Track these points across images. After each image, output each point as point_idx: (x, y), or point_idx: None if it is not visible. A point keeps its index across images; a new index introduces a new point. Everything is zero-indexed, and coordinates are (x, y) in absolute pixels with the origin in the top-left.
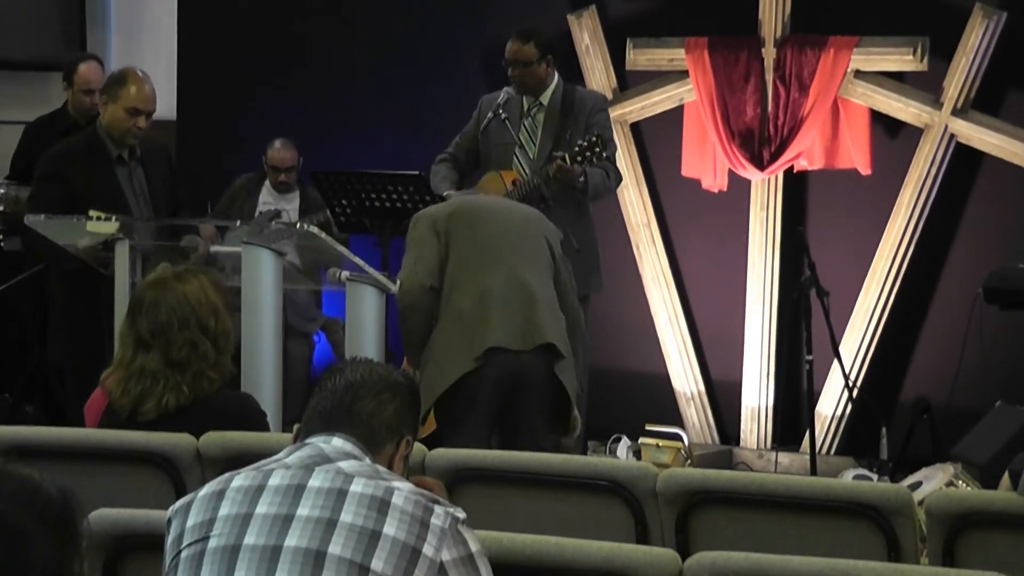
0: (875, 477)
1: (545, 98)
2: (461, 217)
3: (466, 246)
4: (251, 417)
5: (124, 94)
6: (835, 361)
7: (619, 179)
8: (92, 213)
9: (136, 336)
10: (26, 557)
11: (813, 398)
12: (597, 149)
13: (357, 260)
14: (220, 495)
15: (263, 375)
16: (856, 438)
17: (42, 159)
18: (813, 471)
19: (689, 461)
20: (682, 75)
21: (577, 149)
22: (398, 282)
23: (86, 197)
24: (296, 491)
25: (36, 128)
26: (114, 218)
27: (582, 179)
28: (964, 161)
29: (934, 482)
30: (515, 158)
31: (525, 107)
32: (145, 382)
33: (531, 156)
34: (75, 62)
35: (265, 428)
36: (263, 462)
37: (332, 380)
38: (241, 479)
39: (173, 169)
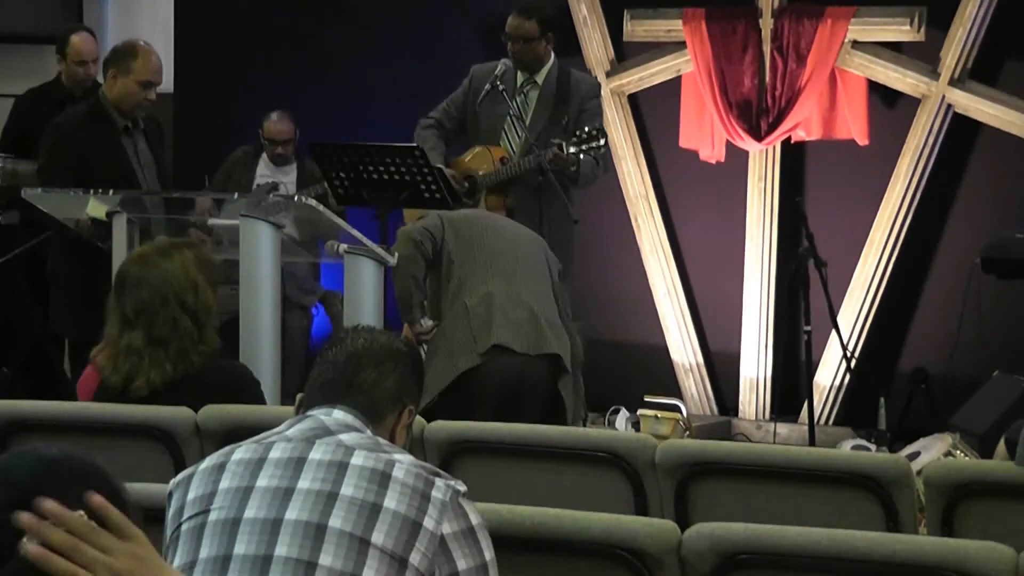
0: (873, 447)
1: (540, 76)
2: (472, 223)
3: (476, 249)
4: (244, 386)
5: (136, 67)
6: (833, 332)
7: (606, 169)
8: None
9: (121, 314)
10: None
11: (811, 369)
12: (598, 143)
13: (355, 232)
14: (221, 468)
15: (261, 347)
16: (854, 408)
17: (49, 129)
18: (812, 442)
19: (688, 432)
20: (679, 46)
21: (576, 139)
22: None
23: (95, 167)
24: (297, 464)
25: (28, 100)
26: (112, 192)
27: (574, 168)
28: (961, 131)
29: (932, 452)
30: (504, 132)
31: (518, 83)
32: (132, 359)
33: (519, 134)
34: (67, 34)
35: (260, 397)
36: (264, 435)
37: (333, 350)
38: (242, 452)
39: (162, 140)
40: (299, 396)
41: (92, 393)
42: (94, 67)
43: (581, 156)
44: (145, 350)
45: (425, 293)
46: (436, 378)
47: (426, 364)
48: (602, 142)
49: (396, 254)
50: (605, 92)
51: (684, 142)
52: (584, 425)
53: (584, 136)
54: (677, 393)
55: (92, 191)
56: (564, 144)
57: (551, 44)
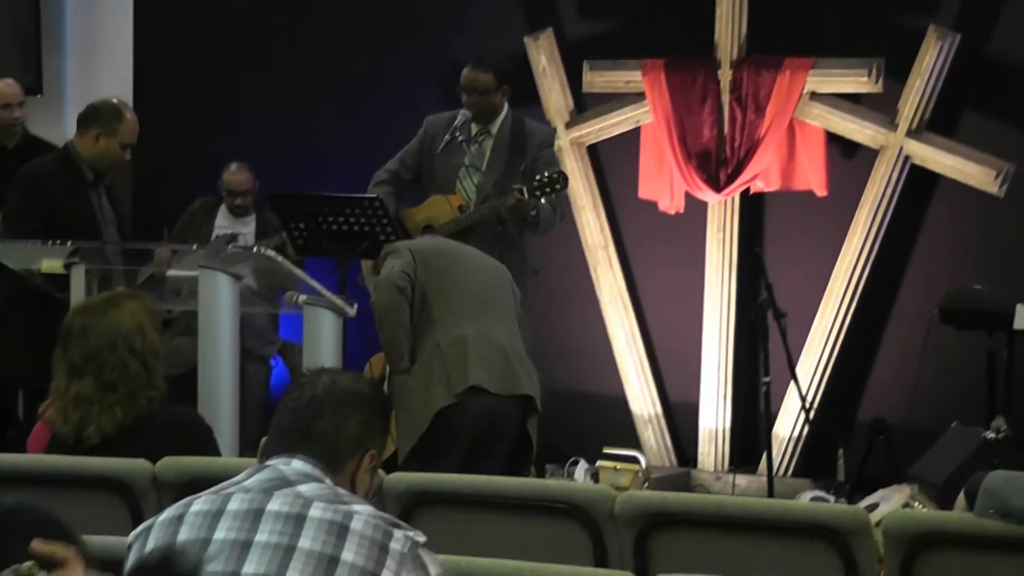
0: (832, 498)
1: (494, 127)
2: (444, 257)
3: (449, 288)
4: (197, 432)
5: (122, 129)
6: (792, 382)
7: (563, 216)
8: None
9: (68, 364)
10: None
11: (770, 419)
12: (558, 186)
13: (314, 283)
14: (179, 520)
15: (220, 398)
16: (813, 459)
17: (22, 176)
18: (771, 493)
19: (647, 483)
20: (639, 97)
21: (536, 184)
22: (373, 287)
23: (64, 216)
24: (255, 516)
25: None
26: (69, 243)
27: (534, 213)
28: (919, 182)
29: (891, 503)
30: (459, 182)
31: (473, 132)
32: (83, 408)
33: (475, 182)
34: None
35: (213, 444)
36: (223, 485)
37: (294, 396)
38: (200, 503)
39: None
40: (263, 441)
41: (43, 449)
42: (19, 111)
43: (542, 201)
44: (96, 396)
45: (411, 337)
46: (415, 421)
47: (399, 404)
48: (558, 187)
49: (380, 303)
50: (564, 142)
51: (643, 193)
52: (544, 475)
53: (544, 180)
54: (636, 444)
55: (50, 242)
56: (525, 190)
57: (506, 96)
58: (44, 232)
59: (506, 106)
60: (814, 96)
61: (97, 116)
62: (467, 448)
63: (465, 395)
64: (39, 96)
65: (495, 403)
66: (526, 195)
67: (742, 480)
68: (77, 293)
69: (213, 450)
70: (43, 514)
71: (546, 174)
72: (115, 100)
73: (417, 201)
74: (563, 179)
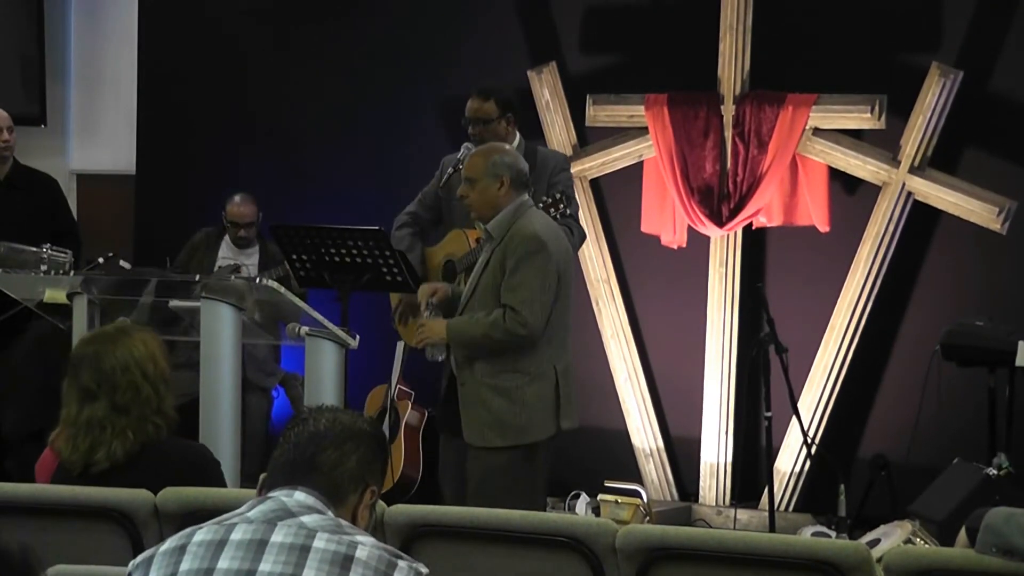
0: (834, 534)
1: None
2: (566, 272)
3: (566, 304)
4: (204, 465)
5: None
6: (794, 417)
7: (583, 237)
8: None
9: (80, 389)
10: None
11: (772, 454)
12: (561, 206)
13: (316, 315)
14: (182, 550)
15: (222, 429)
16: (815, 495)
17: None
18: (772, 528)
19: (648, 518)
20: (642, 131)
21: (541, 206)
22: (514, 311)
23: None
24: (259, 546)
25: None
26: (72, 273)
27: None
28: (921, 218)
29: (892, 539)
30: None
31: None
32: (93, 432)
33: None
34: None
35: (220, 477)
36: (225, 516)
37: (295, 431)
38: (203, 533)
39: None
40: (262, 476)
41: (49, 477)
42: (8, 135)
43: None
44: (107, 419)
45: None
46: (541, 426)
47: (519, 401)
48: (563, 207)
49: (527, 339)
50: None
51: (646, 227)
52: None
53: (549, 202)
54: (638, 478)
55: (53, 272)
56: None
57: (513, 125)
58: None
59: (517, 136)
60: (817, 132)
61: None
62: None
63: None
64: (43, 126)
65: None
66: None
67: (743, 515)
68: (80, 323)
69: (219, 483)
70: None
71: (547, 197)
72: None
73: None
74: (565, 198)
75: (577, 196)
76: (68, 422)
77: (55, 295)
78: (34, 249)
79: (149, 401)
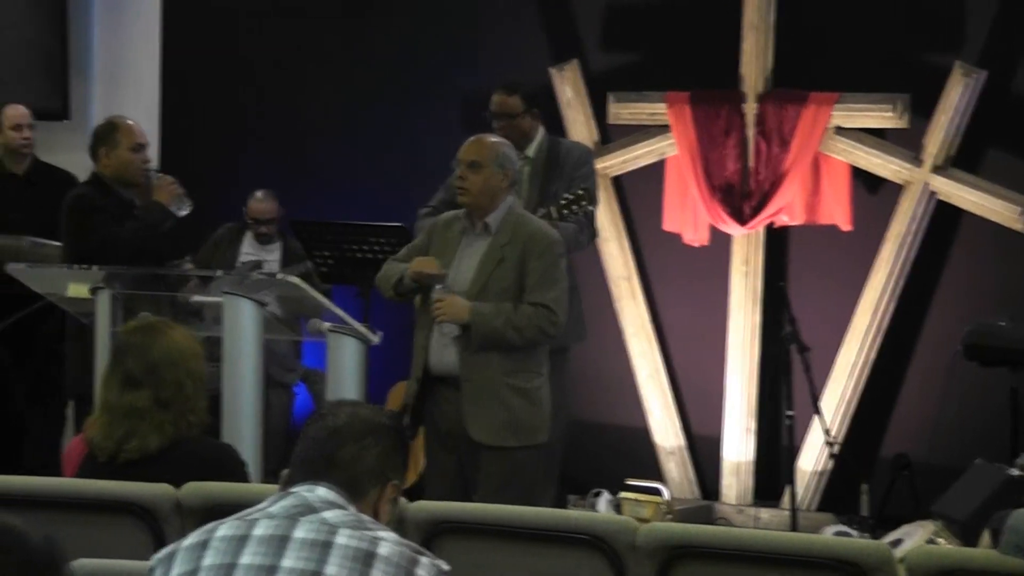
0: (855, 533)
1: (531, 151)
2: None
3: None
4: (232, 467)
5: (121, 136)
6: (815, 416)
7: (593, 236)
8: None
9: (124, 376)
10: None
11: (794, 453)
12: (583, 203)
13: (338, 311)
14: (204, 545)
15: (243, 425)
16: (836, 494)
17: (74, 200)
18: (794, 527)
19: (669, 516)
20: (663, 129)
21: (563, 203)
22: (550, 310)
23: None
24: (280, 542)
25: None
26: (95, 268)
27: None
28: (944, 218)
29: (914, 539)
30: None
31: None
32: (131, 421)
33: None
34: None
35: (245, 479)
36: (247, 511)
37: (315, 426)
38: (225, 529)
39: None
40: (283, 472)
41: (76, 464)
42: (29, 131)
43: (565, 220)
44: (149, 410)
45: None
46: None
47: (536, 402)
48: (584, 203)
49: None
50: None
51: (668, 225)
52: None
53: (569, 199)
54: (659, 476)
55: (76, 267)
56: (552, 210)
57: (537, 119)
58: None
59: (541, 130)
60: (839, 131)
61: (95, 139)
62: None
63: None
64: (65, 121)
65: None
66: (554, 216)
67: (765, 513)
68: (103, 318)
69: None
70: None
71: (570, 194)
72: (108, 117)
73: None
74: (587, 196)
75: (599, 194)
76: (106, 408)
77: (78, 289)
78: (56, 244)
79: (189, 399)
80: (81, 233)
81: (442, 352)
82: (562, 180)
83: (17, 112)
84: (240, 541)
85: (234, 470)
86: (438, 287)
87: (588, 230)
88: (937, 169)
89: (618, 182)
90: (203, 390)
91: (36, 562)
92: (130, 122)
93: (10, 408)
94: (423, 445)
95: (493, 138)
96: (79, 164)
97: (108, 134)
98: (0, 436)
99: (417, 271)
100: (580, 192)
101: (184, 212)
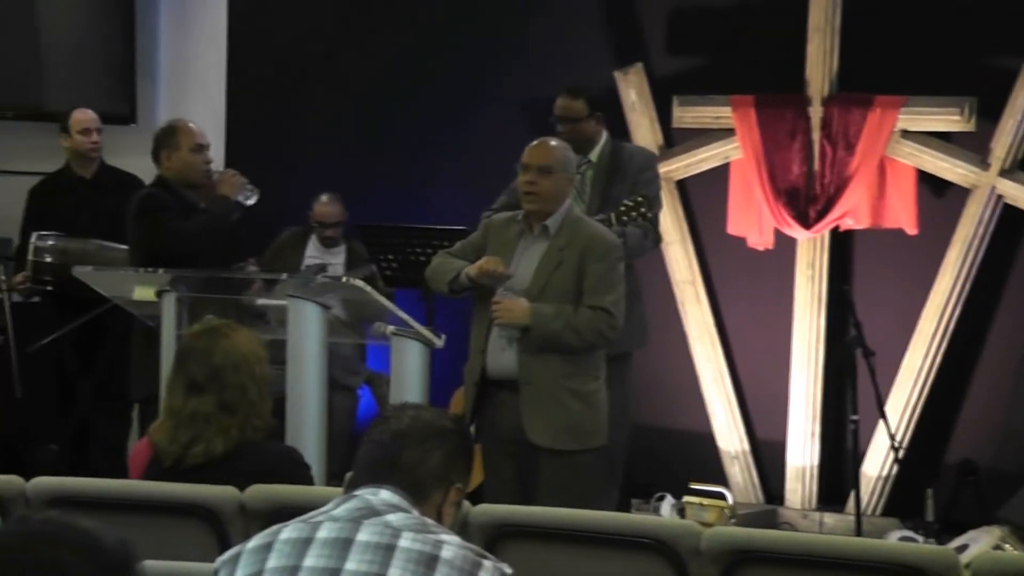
0: (921, 539)
1: (594, 155)
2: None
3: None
4: (296, 470)
5: (181, 138)
6: (880, 421)
7: (657, 241)
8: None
9: (188, 381)
10: None
11: (858, 458)
12: (643, 210)
13: (402, 314)
14: (268, 547)
15: (307, 428)
16: (902, 499)
17: (141, 199)
18: (858, 532)
19: (733, 520)
20: (728, 132)
21: (623, 209)
22: (610, 314)
23: None
24: (344, 545)
25: (42, 187)
26: (162, 271)
27: (621, 239)
28: (1011, 221)
29: (980, 544)
30: None
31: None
32: (196, 426)
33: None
34: (68, 111)
35: (309, 482)
36: (311, 514)
37: (379, 429)
38: (289, 531)
39: None
40: (348, 475)
41: (142, 468)
42: (97, 136)
43: (627, 227)
44: (214, 416)
45: None
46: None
47: (595, 406)
48: (644, 210)
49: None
50: None
51: (732, 229)
52: (629, 510)
53: (630, 205)
54: (723, 480)
55: (142, 270)
56: (611, 216)
57: (600, 123)
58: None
59: (604, 134)
60: (905, 134)
61: (155, 143)
62: None
63: None
64: (132, 125)
65: None
66: (613, 222)
67: (829, 518)
68: (168, 321)
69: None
70: (97, 543)
71: (629, 200)
72: (167, 121)
73: None
74: (647, 203)
75: (663, 197)
76: (171, 413)
77: (144, 292)
78: (123, 247)
79: (253, 403)
80: (150, 231)
81: (500, 355)
82: (624, 185)
83: (85, 116)
84: (304, 544)
85: (298, 474)
86: (500, 289)
87: (652, 235)
88: (1004, 172)
89: (682, 186)
90: (267, 393)
91: (111, 564)
92: (190, 124)
93: (77, 410)
94: (480, 450)
95: (558, 142)
96: (145, 168)
97: (168, 137)
98: (67, 438)
99: (485, 271)
100: (639, 199)
101: (252, 201)
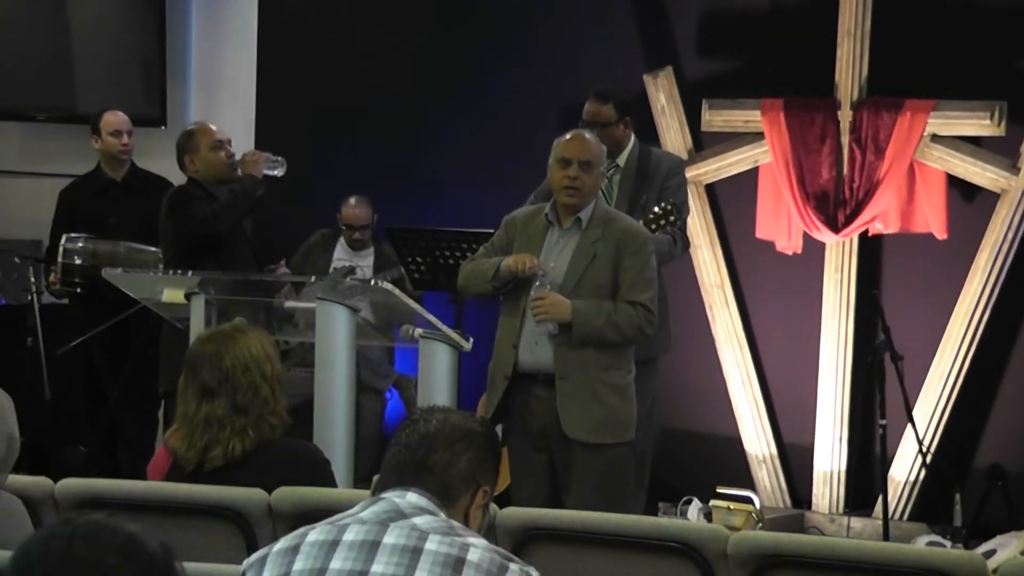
0: (948, 543)
1: (622, 160)
2: None
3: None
4: (316, 466)
5: (199, 139)
6: (908, 426)
7: (686, 246)
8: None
9: (200, 386)
10: None
11: (886, 463)
12: (672, 217)
13: (430, 317)
14: (295, 550)
15: (335, 431)
16: (929, 504)
17: (175, 195)
18: (886, 536)
19: (760, 524)
20: (757, 136)
21: (652, 217)
22: (648, 310)
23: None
24: (371, 547)
25: (73, 189)
26: (191, 273)
27: None
28: None
29: (1009, 549)
30: None
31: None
32: (212, 431)
33: None
34: (100, 112)
35: (330, 477)
36: (338, 516)
37: (406, 432)
38: (316, 534)
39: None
40: (375, 478)
41: (162, 476)
42: (128, 138)
43: (655, 233)
44: (228, 418)
45: None
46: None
47: (629, 398)
48: (673, 218)
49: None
50: None
51: (761, 232)
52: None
53: (659, 212)
54: (750, 484)
55: (171, 272)
56: (640, 224)
57: (629, 127)
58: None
59: (632, 138)
60: (935, 138)
61: (178, 147)
62: None
63: None
64: (162, 128)
65: None
66: None
67: (857, 523)
68: (197, 322)
69: (329, 482)
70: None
71: (658, 207)
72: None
73: None
74: (676, 210)
75: (692, 201)
76: (186, 419)
77: (173, 294)
78: (152, 249)
79: (267, 401)
80: (183, 221)
81: (533, 349)
82: (652, 190)
83: (117, 118)
84: (331, 546)
85: (319, 469)
86: (537, 285)
87: (681, 241)
88: None
89: (711, 189)
90: (281, 391)
91: (154, 568)
92: (207, 124)
93: (105, 412)
94: (508, 450)
95: (592, 135)
96: (175, 170)
97: (188, 140)
98: (95, 440)
99: (521, 268)
100: (668, 207)
101: (279, 172)
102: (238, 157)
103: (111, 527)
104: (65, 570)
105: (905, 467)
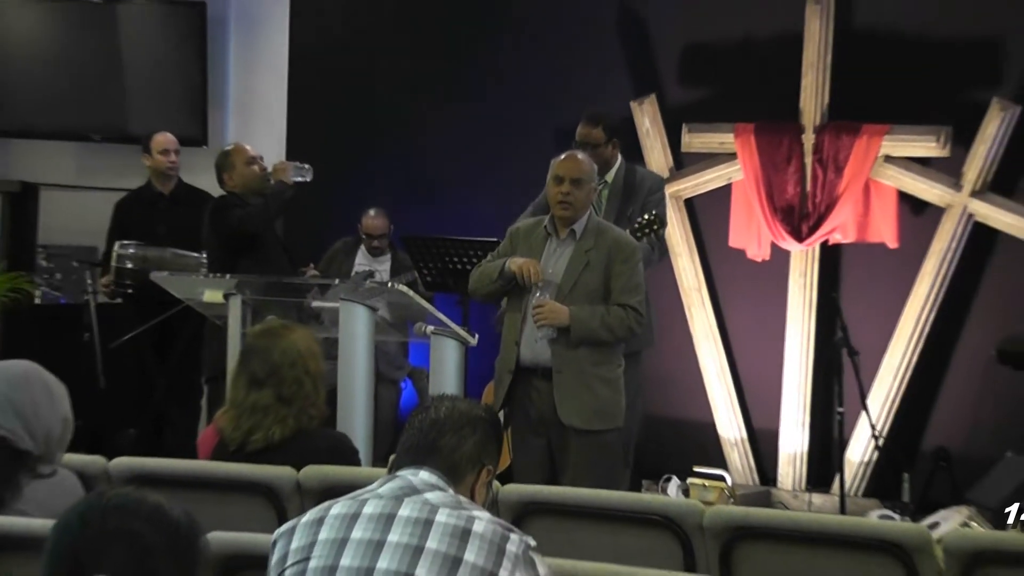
0: (898, 517)
1: (610, 177)
2: None
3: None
4: (346, 454)
5: (234, 158)
6: (863, 413)
7: (663, 254)
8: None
9: (249, 376)
10: (154, 572)
11: (843, 445)
12: (656, 226)
13: (441, 316)
14: (320, 521)
15: (356, 416)
16: (881, 482)
17: (216, 204)
18: (843, 510)
19: (732, 500)
20: (731, 156)
21: (637, 225)
22: (637, 312)
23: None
24: (388, 519)
25: (126, 202)
26: (228, 276)
27: None
28: (981, 237)
29: (951, 522)
30: None
31: None
32: (256, 416)
33: None
34: (151, 134)
35: (358, 464)
36: (358, 492)
37: (419, 418)
38: (339, 507)
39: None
40: (391, 458)
41: (209, 450)
42: (175, 156)
43: (640, 241)
44: (272, 407)
45: None
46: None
47: (618, 390)
48: (656, 227)
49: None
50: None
51: (733, 242)
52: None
53: (644, 222)
54: (723, 464)
55: (210, 275)
56: (628, 231)
57: (617, 148)
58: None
59: (619, 157)
60: (888, 159)
61: (216, 166)
62: None
63: None
64: (204, 147)
65: None
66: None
67: (817, 499)
68: (234, 320)
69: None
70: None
71: (644, 216)
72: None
73: None
74: (659, 221)
75: (672, 213)
76: (234, 404)
77: (213, 295)
78: (196, 255)
79: (309, 395)
80: (221, 224)
81: (533, 346)
82: (636, 204)
83: (166, 139)
84: (352, 518)
85: (348, 457)
86: (538, 295)
87: (659, 249)
88: (975, 194)
89: (690, 203)
90: (322, 386)
91: (180, 533)
92: (240, 144)
93: (153, 400)
94: (510, 434)
95: (584, 155)
96: (216, 186)
97: (224, 159)
98: (144, 424)
99: (526, 274)
100: (652, 217)
101: (307, 178)
102: (269, 169)
103: (138, 498)
104: (102, 537)
105: (860, 449)
